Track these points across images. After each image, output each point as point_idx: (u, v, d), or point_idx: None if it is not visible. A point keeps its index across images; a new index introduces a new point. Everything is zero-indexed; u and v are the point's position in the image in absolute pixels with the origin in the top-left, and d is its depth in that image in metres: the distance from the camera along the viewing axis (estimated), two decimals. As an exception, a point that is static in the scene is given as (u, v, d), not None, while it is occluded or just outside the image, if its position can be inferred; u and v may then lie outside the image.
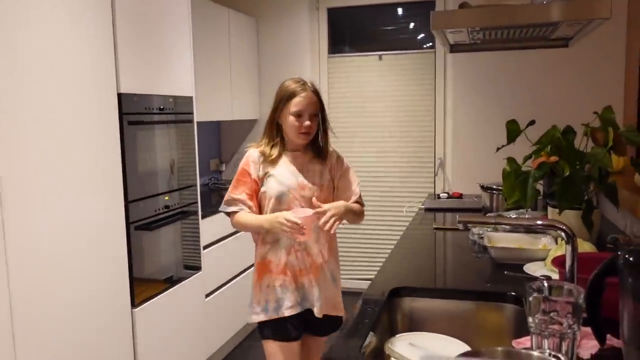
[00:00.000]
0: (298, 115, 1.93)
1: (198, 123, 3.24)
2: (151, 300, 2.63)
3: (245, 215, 1.99)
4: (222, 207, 2.04)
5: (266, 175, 1.99)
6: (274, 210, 1.97)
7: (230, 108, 3.93)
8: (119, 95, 2.42)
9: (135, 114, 2.54)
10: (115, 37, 2.40)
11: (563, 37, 2.46)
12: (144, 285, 2.60)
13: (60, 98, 2.10)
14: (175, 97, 2.88)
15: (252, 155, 2.03)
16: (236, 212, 2.00)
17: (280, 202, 1.96)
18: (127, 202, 2.47)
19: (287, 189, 1.97)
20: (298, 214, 1.85)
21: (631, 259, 0.98)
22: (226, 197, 2.04)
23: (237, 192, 2.01)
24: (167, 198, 2.80)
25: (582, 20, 1.89)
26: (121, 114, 2.43)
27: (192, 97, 3.04)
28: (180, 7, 2.92)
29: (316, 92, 1.99)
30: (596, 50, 3.53)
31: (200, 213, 3.12)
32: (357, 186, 2.12)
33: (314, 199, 1.95)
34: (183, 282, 2.92)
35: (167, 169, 2.82)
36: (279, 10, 4.30)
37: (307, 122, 1.93)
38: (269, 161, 1.99)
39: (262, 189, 2.00)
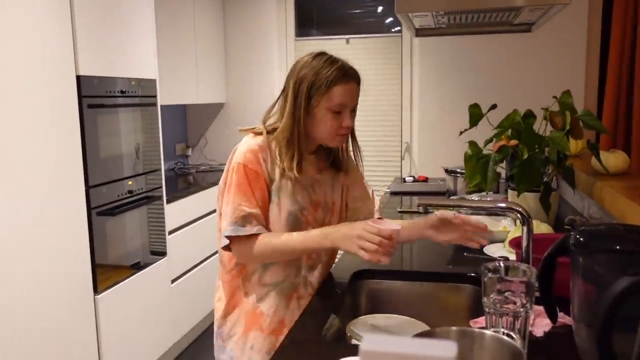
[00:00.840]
0: (337, 112, 1.41)
1: (163, 106, 3.19)
2: (115, 287, 2.60)
3: (275, 237, 1.39)
4: (233, 230, 1.37)
5: (271, 183, 1.44)
6: None
7: (196, 91, 3.88)
8: (78, 78, 2.36)
9: (96, 97, 2.48)
10: (72, 17, 2.33)
11: (526, 23, 2.49)
12: (109, 272, 2.57)
13: (14, 81, 2.04)
14: (138, 80, 2.83)
15: (258, 151, 1.42)
16: (256, 234, 1.39)
17: (289, 227, 1.45)
18: (88, 188, 2.43)
19: (300, 208, 1.46)
20: (380, 224, 1.33)
21: (581, 239, 1.01)
22: (234, 211, 1.38)
23: (250, 204, 1.39)
24: (130, 183, 2.75)
25: (544, 6, 1.91)
26: (80, 97, 2.38)
27: (155, 79, 2.98)
28: (142, -13, 2.85)
29: (359, 79, 1.45)
30: (558, 36, 3.59)
31: (165, 198, 3.08)
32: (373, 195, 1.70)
33: (454, 213, 1.49)
34: (148, 268, 2.89)
35: (132, 153, 2.78)
36: (245, -8, 4.24)
37: (348, 121, 1.43)
38: (281, 171, 1.43)
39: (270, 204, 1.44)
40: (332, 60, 1.41)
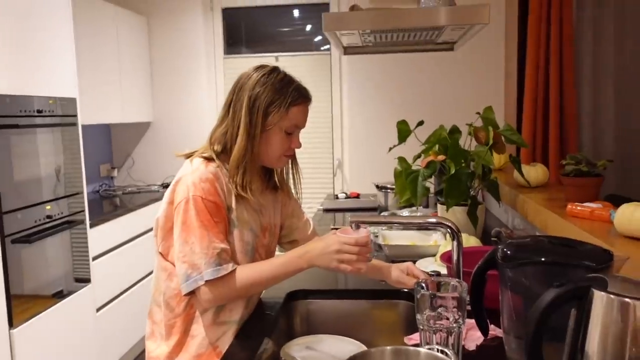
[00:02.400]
0: (289, 132, 1.37)
1: (85, 126, 3.05)
2: (34, 319, 2.43)
3: (249, 269, 1.29)
4: (215, 271, 1.24)
5: (229, 214, 1.33)
6: None
7: (120, 110, 3.74)
8: (-11, 97, 2.21)
9: (9, 117, 2.33)
10: (-18, 33, 2.18)
11: (448, 42, 2.57)
12: (27, 303, 2.40)
13: None
14: (57, 99, 2.69)
15: (214, 180, 1.29)
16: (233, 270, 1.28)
17: (247, 259, 1.36)
18: (1, 214, 2.26)
19: (254, 237, 1.38)
20: (350, 233, 1.26)
21: (508, 252, 1.03)
22: (208, 251, 1.24)
23: (218, 239, 1.27)
24: (49, 207, 2.59)
25: (464, 25, 1.98)
26: (-9, 117, 2.22)
27: (75, 98, 2.84)
28: (60, 2, 2.72)
29: (311, 100, 1.42)
30: (479, 55, 3.75)
31: (88, 222, 2.93)
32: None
33: (410, 264, 1.50)
34: (72, 296, 2.72)
35: (52, 176, 2.62)
36: (170, 10, 4.15)
37: (298, 143, 1.41)
38: (235, 194, 1.33)
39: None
40: (289, 80, 1.37)
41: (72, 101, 2.81)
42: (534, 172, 2.15)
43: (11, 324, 2.29)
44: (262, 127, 1.32)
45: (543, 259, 0.99)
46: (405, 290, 1.59)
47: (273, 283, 1.32)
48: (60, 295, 2.63)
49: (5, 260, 2.27)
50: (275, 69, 1.38)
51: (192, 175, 1.29)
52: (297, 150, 1.50)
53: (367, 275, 1.54)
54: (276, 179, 1.50)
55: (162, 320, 1.36)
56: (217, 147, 1.35)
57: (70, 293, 2.71)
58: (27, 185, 2.45)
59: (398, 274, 1.49)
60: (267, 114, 1.32)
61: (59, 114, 2.70)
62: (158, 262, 1.37)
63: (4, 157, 2.29)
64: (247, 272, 1.27)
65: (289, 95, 1.33)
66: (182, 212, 1.26)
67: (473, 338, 1.21)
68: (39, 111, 2.54)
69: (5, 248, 2.28)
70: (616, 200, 1.63)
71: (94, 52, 3.41)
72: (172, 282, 1.35)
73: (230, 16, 4.28)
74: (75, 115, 2.85)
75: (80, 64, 3.03)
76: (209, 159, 1.33)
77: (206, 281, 1.24)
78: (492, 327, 1.18)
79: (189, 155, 1.37)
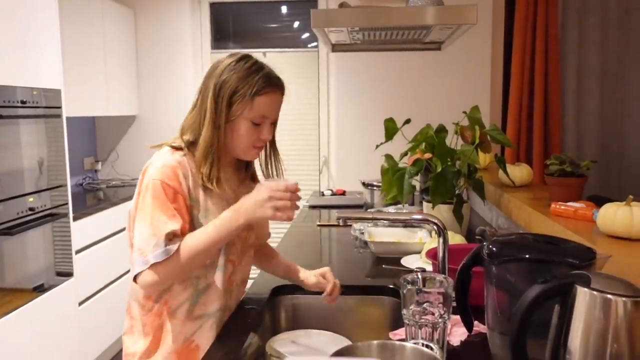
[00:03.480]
0: (257, 123, 1.31)
1: (69, 118, 3.01)
2: (14, 312, 2.40)
3: (190, 239, 1.23)
4: (164, 252, 1.19)
5: (195, 206, 1.29)
6: (208, 266, 1.32)
7: (105, 103, 3.70)
8: (-28, 86, 2.18)
9: (-8, 108, 2.30)
10: (-34, 21, 2.15)
11: (436, 41, 2.59)
12: (8, 296, 2.37)
13: None
14: (42, 90, 2.65)
15: (177, 167, 1.26)
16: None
17: (221, 251, 1.33)
18: (-17, 205, 2.23)
19: None
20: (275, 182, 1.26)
21: (494, 249, 1.04)
22: (157, 232, 1.20)
23: (171, 220, 1.22)
24: (31, 200, 2.56)
25: (452, 25, 2.00)
26: (-26, 107, 2.19)
27: (60, 90, 2.81)
28: (46, -8, 2.69)
29: (283, 90, 1.39)
30: (466, 54, 3.77)
31: (71, 215, 2.90)
32: None
33: (327, 269, 1.50)
34: (53, 290, 2.70)
35: (35, 168, 2.59)
36: (157, 2, 4.11)
37: (267, 134, 1.34)
38: (202, 185, 1.29)
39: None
40: (258, 67, 1.30)
41: (56, 92, 2.78)
42: (519, 172, 2.18)
43: (-8, 317, 2.27)
44: (226, 116, 1.28)
45: (527, 256, 1.00)
46: (391, 286, 1.60)
47: (216, 247, 1.25)
48: (41, 289, 2.60)
49: (-13, 253, 2.25)
50: (246, 57, 1.32)
51: (155, 163, 1.27)
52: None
53: (280, 275, 1.55)
54: (254, 170, 1.47)
55: (139, 316, 1.34)
56: (188, 137, 1.31)
57: (51, 287, 2.69)
58: (10, 176, 2.41)
59: (317, 279, 1.49)
60: (231, 103, 1.27)
61: (43, 105, 2.67)
62: (130, 255, 1.33)
63: (-14, 148, 2.26)
64: (188, 245, 1.22)
65: (254, 83, 1.27)
66: (140, 198, 1.25)
67: (457, 334, 1.23)
68: (22, 102, 2.50)
69: (-13, 240, 2.25)
70: (598, 201, 1.66)
71: (80, 44, 3.37)
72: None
73: (218, 11, 4.25)
74: (60, 107, 2.82)
75: (66, 56, 2.99)
76: (176, 148, 1.30)
77: (151, 265, 1.19)
78: (476, 323, 1.20)
79: (162, 145, 1.34)
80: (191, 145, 1.31)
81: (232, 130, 1.30)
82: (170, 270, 1.21)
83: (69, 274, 2.86)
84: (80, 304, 2.97)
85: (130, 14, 4.06)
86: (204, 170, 1.28)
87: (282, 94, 1.37)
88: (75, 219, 2.93)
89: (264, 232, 1.55)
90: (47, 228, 2.68)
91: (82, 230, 3.00)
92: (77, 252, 2.95)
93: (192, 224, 1.28)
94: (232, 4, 4.23)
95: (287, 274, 1.54)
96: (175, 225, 1.21)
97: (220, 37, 4.30)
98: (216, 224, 1.23)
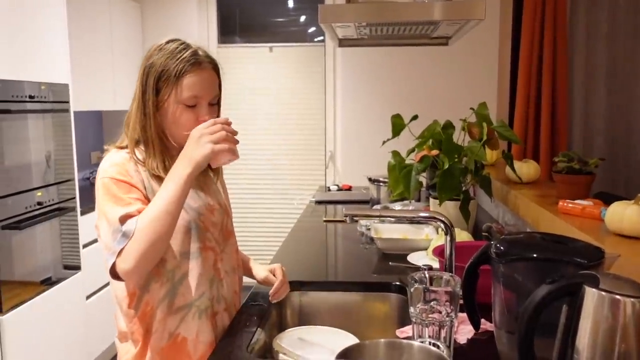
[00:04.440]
0: (191, 105, 1.25)
1: (76, 113, 3.02)
2: (23, 305, 2.42)
3: (147, 208, 1.18)
4: (122, 239, 1.15)
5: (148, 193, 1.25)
6: (180, 254, 1.27)
7: (112, 97, 3.71)
8: (-20, 81, 2.19)
9: (1, 102, 2.31)
10: (-26, 16, 2.16)
11: (443, 36, 2.58)
12: (17, 289, 2.39)
13: None
14: (49, 85, 2.66)
15: (125, 162, 1.25)
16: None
17: (190, 238, 1.28)
18: (-8, 199, 2.25)
19: (197, 215, 1.31)
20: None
21: (502, 248, 1.04)
22: (111, 222, 1.17)
23: (123, 205, 1.18)
24: (40, 194, 2.58)
25: (460, 20, 1.99)
26: (-17, 102, 2.20)
27: (67, 84, 2.82)
28: (53, -14, 2.69)
29: (216, 66, 1.32)
30: (473, 50, 3.76)
31: (79, 209, 2.92)
32: None
33: (278, 266, 1.49)
34: (61, 284, 2.72)
35: (42, 162, 2.60)
36: (165, -4, 4.12)
37: (205, 116, 1.25)
38: (155, 176, 1.26)
39: None
40: (183, 47, 1.25)
41: (64, 87, 2.79)
42: (526, 169, 2.17)
43: (0, 310, 2.28)
44: (156, 102, 1.24)
45: (535, 255, 1.00)
46: (397, 283, 1.60)
47: (176, 207, 1.16)
48: (49, 282, 2.62)
49: (-5, 247, 2.26)
50: (174, 40, 1.28)
51: (103, 165, 1.25)
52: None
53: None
54: None
55: (125, 324, 1.33)
56: (132, 132, 1.27)
57: (59, 280, 2.70)
58: (18, 171, 2.43)
59: (266, 274, 1.48)
60: (159, 88, 1.24)
61: (51, 100, 2.68)
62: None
63: (-6, 143, 2.27)
64: (145, 215, 1.16)
65: (179, 63, 1.22)
66: (96, 202, 1.23)
67: (464, 332, 1.23)
68: (30, 97, 2.51)
69: (-5, 234, 2.26)
70: (606, 198, 1.66)
71: (87, 38, 3.38)
72: (119, 283, 1.29)
73: (225, 5, 4.25)
74: (68, 102, 2.83)
75: (73, 50, 3.00)
76: (121, 147, 1.29)
77: (118, 252, 1.15)
78: (483, 321, 1.20)
79: (108, 151, 1.31)
80: (137, 141, 1.28)
81: (166, 116, 1.26)
82: (137, 247, 1.14)
83: (77, 268, 2.88)
84: (88, 297, 2.99)
85: (137, 8, 4.06)
86: (150, 163, 1.25)
87: (215, 70, 1.31)
88: (82, 213, 2.95)
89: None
90: (55, 222, 2.70)
91: (89, 224, 3.02)
92: (85, 246, 2.97)
93: None
94: (238, -2, 4.22)
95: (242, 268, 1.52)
96: (128, 209, 1.17)
97: (226, 31, 4.29)
98: (166, 184, 1.18)
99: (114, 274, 1.18)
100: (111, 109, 3.72)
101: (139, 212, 1.18)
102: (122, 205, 1.18)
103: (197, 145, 1.16)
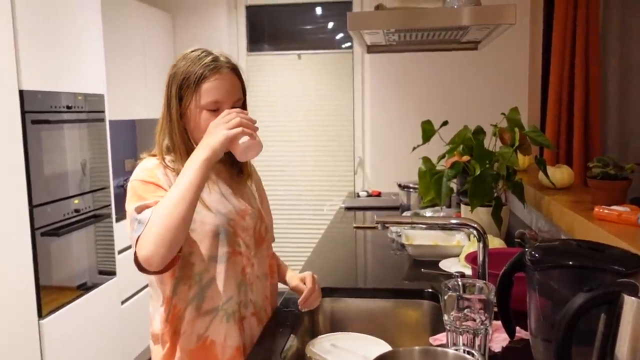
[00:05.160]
0: (214, 109, 1.27)
1: (111, 122, 3.10)
2: (61, 310, 2.49)
3: (163, 198, 1.19)
4: (139, 224, 1.18)
5: None
6: (208, 258, 1.29)
7: (145, 106, 3.79)
8: (21, 93, 2.27)
9: (40, 112, 2.39)
10: (15, 30, 2.24)
11: (473, 41, 2.57)
12: (54, 294, 2.46)
13: (-47, 95, 1.93)
14: (86, 95, 2.74)
15: (154, 168, 1.29)
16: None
17: (219, 242, 1.30)
18: (32, 207, 2.32)
19: (227, 220, 1.32)
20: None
21: (536, 255, 1.04)
22: (131, 216, 1.21)
23: (149, 201, 1.22)
24: (77, 201, 2.65)
25: (490, 25, 1.98)
26: (23, 113, 2.28)
27: (103, 94, 2.90)
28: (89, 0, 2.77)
29: (237, 70, 1.33)
30: (503, 54, 3.72)
31: (114, 216, 2.98)
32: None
33: (309, 274, 1.48)
34: (97, 289, 2.78)
35: (79, 170, 2.68)
36: (195, 7, 4.19)
37: None
38: None
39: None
40: (204, 54, 1.29)
41: (100, 97, 2.87)
42: (560, 174, 2.14)
43: (40, 315, 2.35)
44: (179, 109, 1.28)
45: (571, 263, 0.99)
46: (430, 290, 1.60)
47: (191, 192, 1.16)
48: (84, 287, 2.69)
49: (35, 252, 2.33)
50: (197, 49, 1.32)
51: (135, 172, 1.30)
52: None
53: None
54: (240, 163, 1.41)
55: (158, 326, 1.36)
56: (164, 140, 1.32)
57: (95, 285, 2.77)
58: (56, 179, 2.50)
59: (297, 283, 1.49)
60: (181, 96, 1.28)
61: (87, 110, 2.76)
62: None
63: (35, 153, 2.34)
64: (162, 202, 1.18)
65: (198, 69, 1.26)
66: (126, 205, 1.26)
67: (498, 340, 1.22)
68: (68, 107, 2.59)
69: (36, 240, 2.33)
70: (643, 204, 1.62)
71: (121, 49, 3.46)
72: (151, 287, 1.36)
73: (254, 13, 4.30)
74: (103, 111, 2.90)
75: (108, 61, 3.08)
76: (153, 155, 1.33)
77: (137, 240, 1.18)
78: (518, 329, 1.19)
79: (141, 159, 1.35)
80: (166, 147, 1.32)
81: (190, 122, 1.29)
82: (152, 232, 1.15)
83: (112, 273, 2.94)
84: (123, 302, 3.06)
85: (169, 18, 4.14)
86: (176, 166, 1.29)
87: (235, 74, 1.32)
88: (117, 219, 3.02)
89: (270, 234, 1.54)
90: (91, 229, 2.77)
91: (124, 230, 3.08)
92: (120, 252, 3.04)
93: None
94: (267, 7, 4.27)
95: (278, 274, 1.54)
96: (146, 202, 1.20)
97: (255, 39, 4.35)
98: (183, 171, 1.20)
99: (138, 264, 1.20)
100: (144, 117, 3.80)
101: (157, 203, 1.20)
102: (141, 199, 1.22)
103: (214, 132, 1.19)
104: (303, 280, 1.48)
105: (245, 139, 1.20)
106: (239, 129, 1.19)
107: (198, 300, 1.29)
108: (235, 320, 1.32)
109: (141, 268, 1.20)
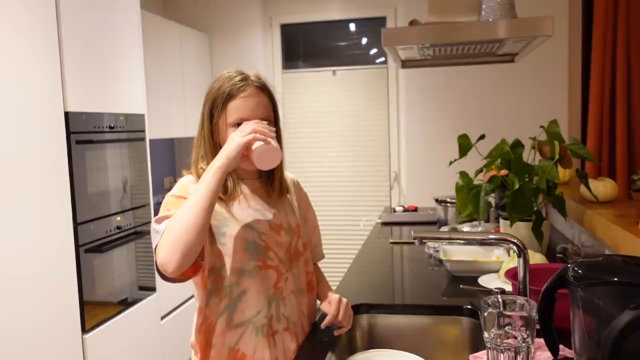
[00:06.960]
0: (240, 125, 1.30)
1: (151, 140, 3.18)
2: (103, 325, 2.54)
3: (179, 209, 1.22)
4: (156, 233, 1.24)
5: (220, 220, 1.32)
6: (237, 271, 1.31)
7: (184, 125, 3.87)
8: (66, 114, 2.35)
9: (84, 133, 2.47)
10: (61, 54, 2.33)
11: (509, 53, 2.54)
12: (96, 309, 2.52)
13: (3, 118, 2.02)
14: (127, 115, 2.82)
15: (188, 183, 1.34)
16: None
17: (250, 256, 1.32)
18: (76, 224, 2.39)
19: (258, 234, 1.34)
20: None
21: (580, 271, 1.01)
22: (155, 220, 1.27)
23: (170, 212, 1.27)
24: (119, 219, 2.72)
25: (527, 37, 1.95)
26: (69, 133, 2.36)
27: (143, 114, 2.98)
28: (131, 22, 2.87)
29: (265, 88, 1.35)
30: (541, 66, 3.66)
31: (154, 233, 3.04)
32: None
33: (334, 299, 1.43)
34: (138, 305, 2.83)
35: (120, 189, 2.75)
36: (231, 27, 4.29)
37: None
38: (222, 200, 1.33)
39: (218, 242, 1.31)
40: (235, 75, 1.34)
41: (140, 117, 2.95)
42: (602, 187, 2.08)
43: (84, 329, 2.41)
44: (211, 128, 1.33)
45: (617, 279, 0.96)
46: (469, 306, 1.57)
47: (204, 198, 1.19)
48: (125, 303, 2.74)
49: (79, 268, 2.40)
50: (230, 71, 1.36)
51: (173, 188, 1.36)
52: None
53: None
54: (277, 178, 1.42)
55: (194, 337, 1.39)
56: (197, 157, 1.37)
57: (135, 301, 2.82)
58: (99, 198, 2.58)
59: (324, 305, 1.47)
60: (212, 115, 1.32)
61: (128, 130, 2.84)
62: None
63: (79, 172, 2.42)
64: (177, 212, 1.22)
65: (226, 89, 1.31)
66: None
67: (542, 358, 1.19)
68: (110, 127, 2.67)
69: (80, 257, 2.40)
70: (692, 218, 1.56)
71: (160, 69, 3.56)
72: (196, 296, 1.39)
73: (289, 32, 4.37)
74: (144, 131, 2.98)
75: (148, 81, 3.17)
76: (191, 173, 1.38)
77: (156, 247, 1.23)
78: (561, 347, 1.15)
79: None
80: (201, 164, 1.36)
81: (221, 140, 1.33)
82: (167, 239, 1.19)
83: (152, 289, 3.00)
84: (163, 317, 3.10)
85: (206, 38, 4.24)
86: None
87: (263, 92, 1.35)
88: (157, 236, 3.07)
89: (317, 250, 1.60)
90: (132, 245, 2.83)
91: (163, 247, 3.14)
92: (159, 268, 3.09)
93: (212, 234, 1.30)
94: (302, 25, 4.33)
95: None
96: (166, 213, 1.25)
97: (290, 57, 4.41)
98: (200, 180, 1.24)
99: (158, 270, 1.24)
100: (182, 135, 3.89)
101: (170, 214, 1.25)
102: (166, 213, 1.27)
103: (228, 143, 1.24)
104: (330, 302, 1.45)
105: (258, 144, 1.23)
106: (251, 136, 1.22)
107: (229, 312, 1.32)
108: (264, 334, 1.32)
109: (161, 274, 1.24)
